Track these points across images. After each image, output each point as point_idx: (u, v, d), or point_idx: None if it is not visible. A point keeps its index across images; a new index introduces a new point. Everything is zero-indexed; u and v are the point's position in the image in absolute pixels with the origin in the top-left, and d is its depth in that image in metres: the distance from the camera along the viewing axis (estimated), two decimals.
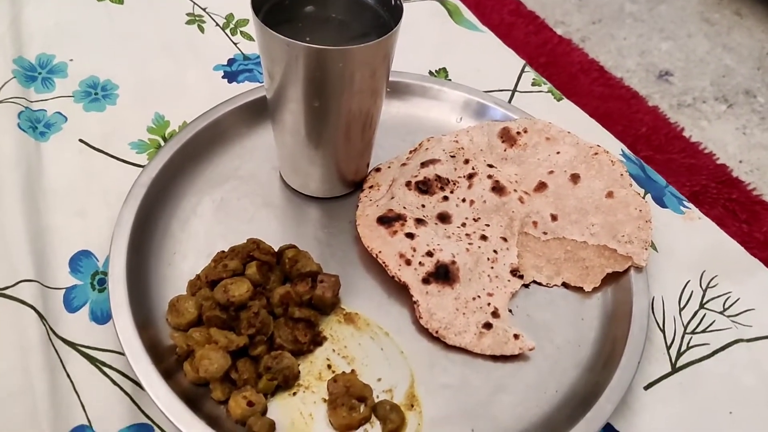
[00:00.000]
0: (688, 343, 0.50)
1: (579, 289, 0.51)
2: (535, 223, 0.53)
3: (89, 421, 0.43)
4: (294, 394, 0.45)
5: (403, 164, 0.57)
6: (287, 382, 0.45)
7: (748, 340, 0.50)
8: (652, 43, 1.22)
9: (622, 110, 0.90)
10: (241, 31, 0.69)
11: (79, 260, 0.51)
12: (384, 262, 0.50)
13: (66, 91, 0.62)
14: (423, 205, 0.53)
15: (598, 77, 0.97)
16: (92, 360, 0.46)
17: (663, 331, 0.50)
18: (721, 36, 1.25)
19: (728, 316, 0.51)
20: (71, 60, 0.65)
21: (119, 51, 0.66)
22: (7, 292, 0.48)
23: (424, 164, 0.55)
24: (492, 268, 0.51)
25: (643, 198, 0.57)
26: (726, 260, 0.55)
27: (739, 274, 0.54)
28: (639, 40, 1.23)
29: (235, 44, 0.68)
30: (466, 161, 0.56)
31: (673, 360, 0.49)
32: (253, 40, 0.68)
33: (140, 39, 0.68)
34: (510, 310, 0.50)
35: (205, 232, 0.53)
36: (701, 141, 0.89)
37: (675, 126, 0.91)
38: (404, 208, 0.53)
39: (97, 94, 0.62)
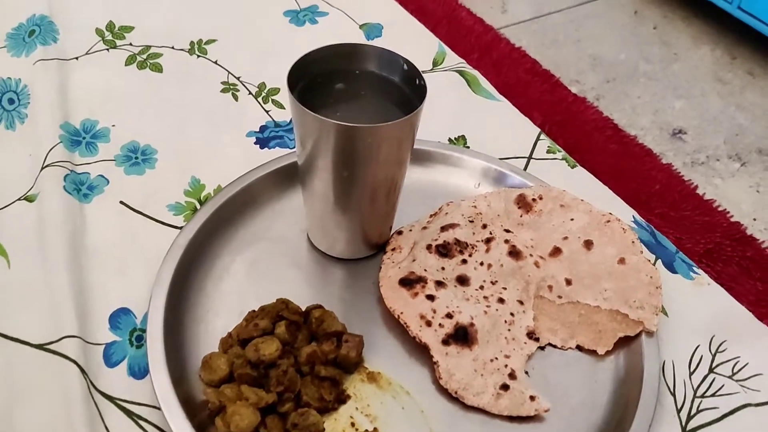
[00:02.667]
0: (698, 406, 0.51)
1: (593, 352, 0.53)
2: (550, 287, 0.56)
3: None
4: None
5: (424, 228, 0.60)
6: None
7: (757, 405, 0.52)
8: (665, 102, 1.26)
9: (635, 168, 0.92)
10: (272, 100, 0.73)
11: (119, 317, 0.54)
12: (405, 323, 0.52)
13: (108, 155, 0.66)
14: (443, 268, 0.56)
15: (612, 135, 1.00)
16: (129, 414, 0.49)
17: (673, 394, 0.52)
18: (734, 95, 1.28)
19: (737, 381, 0.53)
20: (113, 125, 0.69)
21: (158, 117, 0.70)
22: (51, 347, 0.51)
23: (443, 228, 0.58)
24: (509, 330, 0.53)
25: (654, 264, 0.60)
26: (735, 325, 0.56)
27: (747, 340, 0.55)
28: (653, 98, 1.26)
29: (267, 112, 0.72)
30: (484, 226, 0.59)
31: (684, 423, 0.50)
32: (284, 108, 0.72)
33: (178, 106, 0.72)
34: (526, 372, 0.52)
35: (237, 291, 0.56)
36: (715, 198, 0.91)
37: (689, 184, 0.92)
38: (425, 270, 0.55)
39: (137, 158, 0.66)
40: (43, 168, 0.63)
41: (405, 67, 0.53)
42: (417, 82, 0.52)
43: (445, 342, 0.51)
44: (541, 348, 0.53)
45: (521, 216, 0.60)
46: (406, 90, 0.53)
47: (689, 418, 0.51)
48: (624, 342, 0.53)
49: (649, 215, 0.73)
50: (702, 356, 0.54)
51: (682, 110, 1.25)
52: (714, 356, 0.54)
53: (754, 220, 1.06)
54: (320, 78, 0.53)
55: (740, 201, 1.09)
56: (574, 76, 1.29)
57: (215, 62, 0.77)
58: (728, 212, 0.87)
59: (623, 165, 0.93)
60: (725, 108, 1.26)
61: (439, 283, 0.54)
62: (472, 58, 0.91)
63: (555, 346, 0.54)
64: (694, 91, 1.29)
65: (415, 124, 0.51)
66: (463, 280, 0.56)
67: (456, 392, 0.50)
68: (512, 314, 0.54)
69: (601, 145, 0.98)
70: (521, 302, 0.55)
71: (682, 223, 0.80)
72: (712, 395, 0.52)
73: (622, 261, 0.56)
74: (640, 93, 1.27)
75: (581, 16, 1.44)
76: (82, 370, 0.50)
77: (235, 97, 0.73)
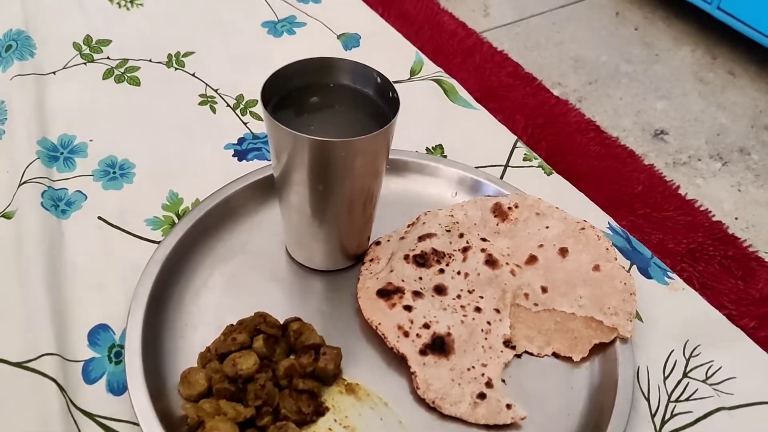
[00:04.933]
0: (672, 411, 0.52)
1: (568, 359, 0.54)
2: (526, 295, 0.56)
3: None
4: None
5: (402, 238, 0.60)
6: None
7: (730, 408, 0.52)
8: (647, 103, 1.26)
9: (618, 169, 0.93)
10: (250, 111, 0.73)
11: (97, 333, 0.54)
12: (383, 334, 0.53)
13: (86, 171, 0.66)
14: (420, 278, 0.57)
15: (595, 137, 1.00)
16: (108, 430, 0.49)
17: (648, 399, 0.53)
18: (715, 95, 1.29)
19: (711, 385, 0.54)
20: (91, 140, 0.69)
21: (136, 131, 0.71)
22: (30, 365, 0.51)
23: (421, 238, 0.59)
24: (486, 339, 0.54)
25: (629, 269, 0.60)
26: (708, 330, 0.57)
27: (721, 343, 0.56)
28: (634, 99, 1.27)
29: (245, 124, 0.72)
30: (461, 235, 0.59)
31: (658, 428, 0.51)
32: (262, 120, 0.72)
33: (156, 119, 0.72)
34: (503, 380, 0.52)
35: (215, 304, 0.56)
36: (697, 198, 0.91)
37: (671, 184, 0.92)
38: (402, 280, 0.56)
39: (115, 173, 0.66)
40: (20, 184, 0.63)
41: (378, 80, 0.53)
42: (390, 94, 0.52)
43: (423, 352, 0.52)
44: (518, 356, 0.54)
45: (497, 224, 0.61)
46: (380, 103, 0.53)
47: (663, 422, 0.51)
48: (599, 348, 0.54)
49: (632, 216, 0.73)
50: (676, 361, 0.55)
51: (664, 111, 1.25)
52: (688, 361, 0.55)
53: (736, 219, 1.07)
54: (294, 92, 0.53)
55: (722, 200, 1.10)
56: (557, 79, 1.30)
57: (193, 75, 0.77)
58: (710, 212, 0.87)
59: (606, 166, 0.93)
60: (706, 108, 1.27)
61: (417, 294, 0.55)
62: (454, 63, 0.91)
63: (531, 354, 0.54)
64: (676, 92, 1.29)
65: (389, 137, 0.51)
66: (440, 290, 0.56)
67: (433, 402, 0.50)
68: (489, 323, 0.54)
69: (583, 147, 0.98)
70: (498, 311, 0.55)
71: (665, 223, 0.80)
72: (686, 399, 0.53)
73: (596, 268, 0.56)
74: (622, 94, 1.28)
75: (563, 19, 1.45)
76: (61, 388, 0.50)
77: (213, 110, 0.74)
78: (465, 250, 0.58)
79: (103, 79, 0.76)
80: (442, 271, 0.57)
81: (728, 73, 1.34)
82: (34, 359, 0.51)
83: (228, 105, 0.74)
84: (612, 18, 1.46)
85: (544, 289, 0.56)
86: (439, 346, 0.52)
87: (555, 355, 0.54)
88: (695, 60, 1.37)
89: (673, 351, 0.56)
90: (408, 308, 0.54)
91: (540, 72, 1.14)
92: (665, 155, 1.17)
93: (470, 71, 0.95)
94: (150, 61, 0.79)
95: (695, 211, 0.86)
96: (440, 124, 0.74)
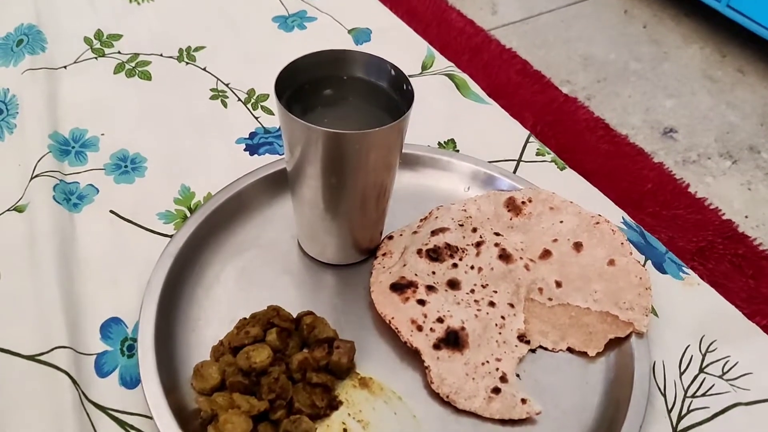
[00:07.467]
0: (689, 406, 0.52)
1: (583, 354, 0.53)
2: (540, 290, 0.56)
3: None
4: None
5: (415, 232, 0.60)
6: None
7: (747, 404, 0.52)
8: (656, 101, 1.26)
9: (627, 167, 0.92)
10: (261, 106, 0.73)
11: (110, 327, 0.54)
12: (396, 328, 0.53)
13: (98, 164, 0.66)
14: (433, 272, 0.56)
15: (604, 135, 1.00)
16: (121, 423, 0.49)
17: (664, 395, 0.52)
18: (724, 93, 1.29)
19: (727, 380, 0.53)
20: (102, 134, 0.69)
21: (147, 125, 0.70)
22: (42, 358, 0.51)
23: (434, 232, 0.58)
24: (500, 333, 0.53)
25: (644, 264, 0.60)
26: (724, 325, 0.57)
27: (737, 339, 0.56)
28: (643, 97, 1.26)
29: (256, 118, 0.72)
30: (474, 230, 0.59)
31: (674, 423, 0.51)
32: (273, 115, 0.72)
33: (167, 114, 0.72)
34: (518, 375, 0.52)
35: (227, 298, 0.56)
36: (707, 196, 0.91)
37: (680, 182, 0.92)
38: (416, 275, 0.55)
39: (126, 167, 0.66)
40: (32, 178, 0.63)
41: (392, 72, 0.53)
42: (404, 87, 0.52)
43: (437, 346, 0.51)
44: (532, 351, 0.54)
45: (511, 219, 0.60)
46: (394, 95, 0.53)
47: (680, 418, 0.51)
48: (614, 343, 0.53)
49: (641, 214, 0.73)
50: (692, 356, 0.55)
51: (673, 109, 1.25)
52: (704, 356, 0.55)
53: (746, 217, 1.06)
54: (308, 85, 0.53)
55: (732, 198, 1.10)
56: (565, 77, 1.29)
57: (204, 69, 0.77)
58: (720, 210, 0.87)
59: (615, 164, 0.93)
60: (715, 106, 1.26)
61: (430, 288, 0.55)
62: (462, 60, 0.91)
63: (546, 349, 0.54)
64: (685, 90, 1.29)
65: (403, 130, 0.51)
66: (453, 284, 0.56)
67: (447, 396, 0.50)
68: (503, 317, 0.54)
69: (592, 144, 0.98)
70: (512, 305, 0.55)
71: (675, 221, 0.80)
72: (703, 395, 0.52)
73: (611, 262, 0.56)
74: (631, 92, 1.28)
75: (571, 17, 1.45)
76: (74, 381, 0.50)
77: (224, 104, 0.73)
78: (478, 244, 0.58)
79: (114, 73, 0.76)
80: (455, 265, 0.57)
81: (737, 71, 1.33)
82: (47, 352, 0.51)
83: (239, 99, 0.74)
84: (620, 16, 1.46)
85: (558, 284, 0.56)
86: (453, 340, 0.52)
87: (570, 350, 0.54)
88: (704, 58, 1.36)
89: (689, 346, 0.55)
90: (421, 302, 0.53)
91: (548, 70, 1.13)
92: (674, 153, 1.16)
93: (478, 69, 0.94)
94: (161, 55, 0.78)
95: (705, 209, 0.85)
96: (452, 119, 0.73)
